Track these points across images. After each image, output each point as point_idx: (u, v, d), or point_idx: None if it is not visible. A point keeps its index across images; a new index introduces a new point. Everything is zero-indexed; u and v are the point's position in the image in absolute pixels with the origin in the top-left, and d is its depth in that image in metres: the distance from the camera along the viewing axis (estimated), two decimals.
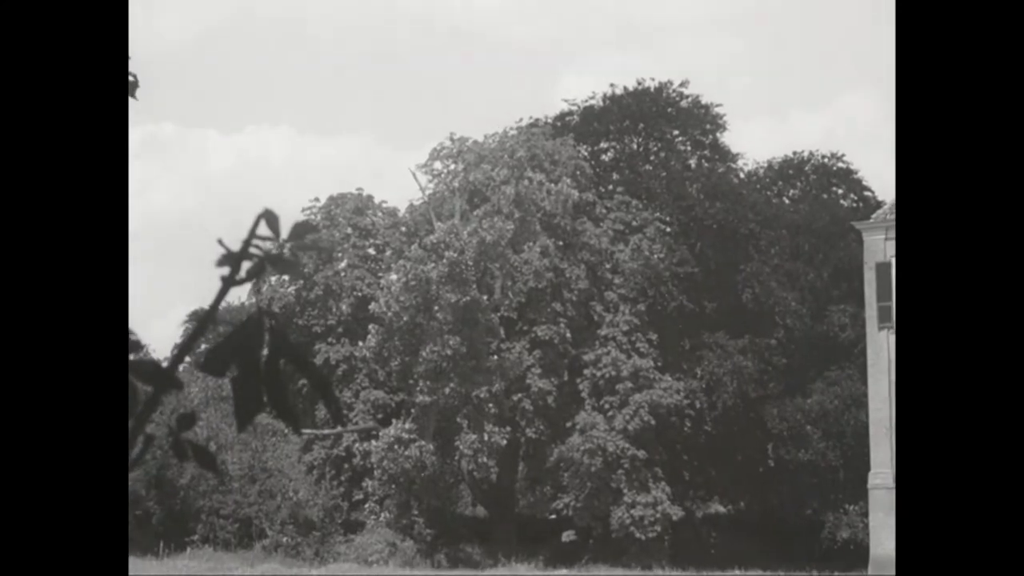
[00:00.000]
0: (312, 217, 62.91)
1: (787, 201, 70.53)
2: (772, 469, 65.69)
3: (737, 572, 57.76)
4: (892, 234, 53.56)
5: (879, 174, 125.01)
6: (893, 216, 54.01)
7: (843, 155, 71.00)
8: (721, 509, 70.25)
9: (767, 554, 58.99)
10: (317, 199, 64.00)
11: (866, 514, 56.62)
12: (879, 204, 64.63)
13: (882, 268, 53.78)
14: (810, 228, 67.23)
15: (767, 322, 64.71)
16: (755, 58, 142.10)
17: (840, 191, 70.75)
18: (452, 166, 62.65)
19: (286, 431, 56.32)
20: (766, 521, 64.87)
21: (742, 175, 70.35)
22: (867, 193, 70.55)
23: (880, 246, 54.27)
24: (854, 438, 60.75)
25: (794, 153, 71.05)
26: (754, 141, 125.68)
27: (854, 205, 69.33)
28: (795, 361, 65.00)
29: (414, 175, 62.40)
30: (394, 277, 58.05)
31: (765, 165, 71.43)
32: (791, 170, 71.04)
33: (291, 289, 62.16)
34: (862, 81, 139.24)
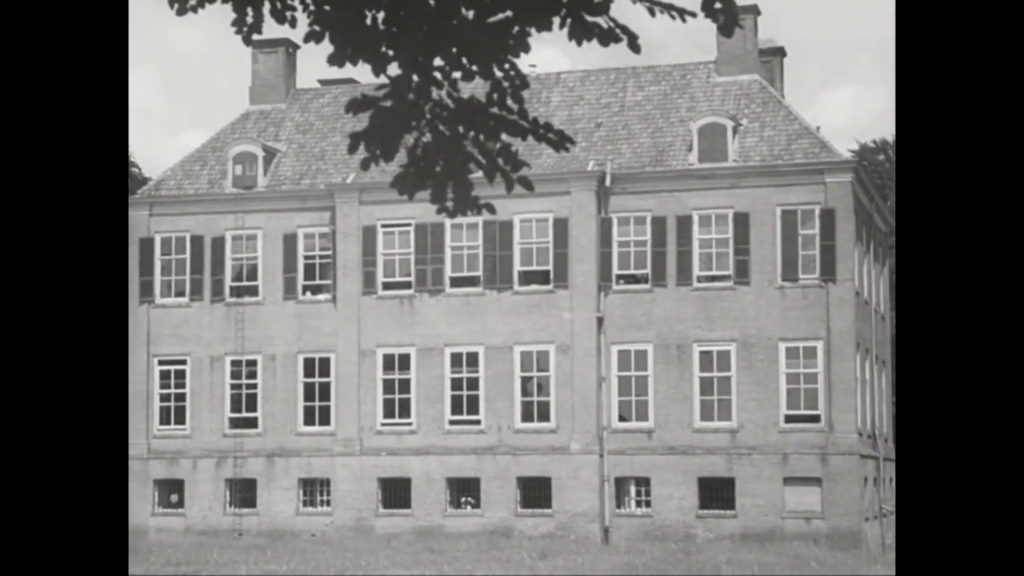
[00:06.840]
0: None
1: None
2: None
3: None
4: (156, 210, 53.23)
5: (145, 152, 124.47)
6: (158, 192, 53.96)
7: None
8: None
9: None
10: None
11: None
12: (145, 180, 65.19)
13: (145, 243, 53.15)
14: None
15: None
16: None
17: None
18: None
19: None
20: None
21: None
22: (134, 169, 70.81)
23: (144, 222, 53.39)
24: None
25: None
26: None
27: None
28: None
29: None
30: None
31: None
32: None
33: None
34: None
